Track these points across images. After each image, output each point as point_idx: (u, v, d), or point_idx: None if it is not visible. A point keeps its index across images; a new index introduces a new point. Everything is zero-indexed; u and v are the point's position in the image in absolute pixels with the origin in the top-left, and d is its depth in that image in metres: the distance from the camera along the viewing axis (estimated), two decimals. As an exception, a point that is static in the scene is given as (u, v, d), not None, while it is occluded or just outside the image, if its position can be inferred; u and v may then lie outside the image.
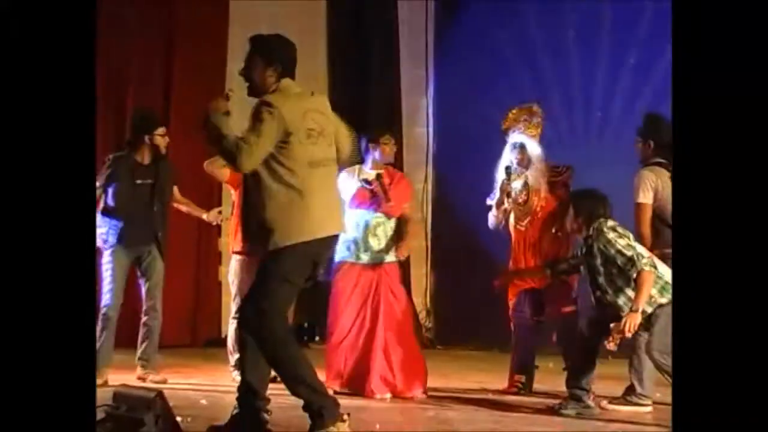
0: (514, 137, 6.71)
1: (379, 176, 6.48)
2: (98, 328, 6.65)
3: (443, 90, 10.25)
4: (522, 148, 6.67)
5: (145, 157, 6.83)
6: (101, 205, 6.75)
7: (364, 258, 6.46)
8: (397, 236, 6.54)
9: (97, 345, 6.65)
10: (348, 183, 6.47)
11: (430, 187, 10.34)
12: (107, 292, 6.74)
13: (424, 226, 10.25)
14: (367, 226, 6.44)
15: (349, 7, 10.06)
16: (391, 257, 6.51)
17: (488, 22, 9.76)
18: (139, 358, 6.83)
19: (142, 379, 6.68)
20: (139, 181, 6.77)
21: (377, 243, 6.45)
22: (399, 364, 6.39)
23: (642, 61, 9.10)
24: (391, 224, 6.52)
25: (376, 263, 6.46)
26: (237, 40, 9.82)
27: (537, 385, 6.74)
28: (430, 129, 10.37)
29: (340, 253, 6.45)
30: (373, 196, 6.45)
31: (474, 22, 9.90)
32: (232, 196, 7.18)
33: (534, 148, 6.69)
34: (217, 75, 9.47)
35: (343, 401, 6.12)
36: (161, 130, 6.90)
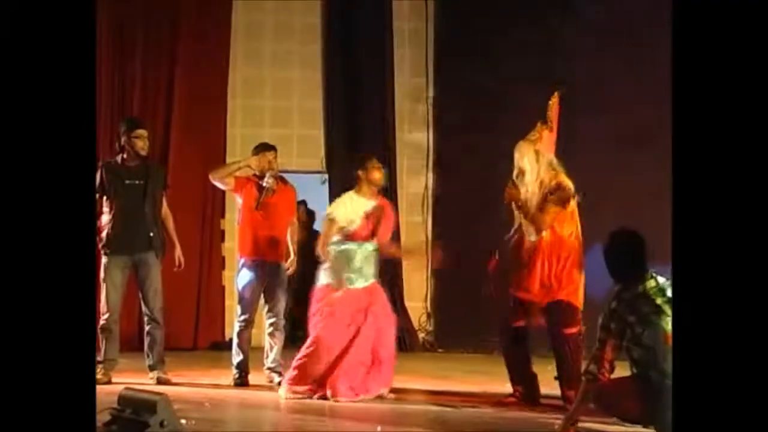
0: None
1: (377, 209, 6.60)
2: (100, 339, 6.76)
3: (443, 96, 10.30)
4: (513, 157, 6.15)
5: (130, 159, 6.95)
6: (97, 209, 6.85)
7: (358, 284, 6.51)
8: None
9: (101, 355, 6.77)
10: (354, 213, 6.55)
11: (430, 193, 10.40)
12: (105, 304, 6.86)
13: (424, 229, 10.31)
14: (365, 254, 6.52)
15: (344, 18, 10.12)
16: (375, 277, 6.61)
17: (489, 29, 9.79)
18: (149, 366, 6.99)
19: (153, 378, 6.88)
20: (127, 182, 6.89)
21: (369, 269, 6.54)
22: (377, 371, 6.43)
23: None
24: (375, 246, 6.60)
25: (367, 286, 6.54)
26: (240, 49, 9.87)
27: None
28: (430, 135, 10.42)
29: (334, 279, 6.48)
30: (373, 229, 6.56)
31: (474, 29, 9.94)
32: (237, 203, 7.23)
33: (521, 157, 6.08)
34: (220, 83, 9.44)
35: (342, 402, 6.18)
36: (138, 131, 6.99)
